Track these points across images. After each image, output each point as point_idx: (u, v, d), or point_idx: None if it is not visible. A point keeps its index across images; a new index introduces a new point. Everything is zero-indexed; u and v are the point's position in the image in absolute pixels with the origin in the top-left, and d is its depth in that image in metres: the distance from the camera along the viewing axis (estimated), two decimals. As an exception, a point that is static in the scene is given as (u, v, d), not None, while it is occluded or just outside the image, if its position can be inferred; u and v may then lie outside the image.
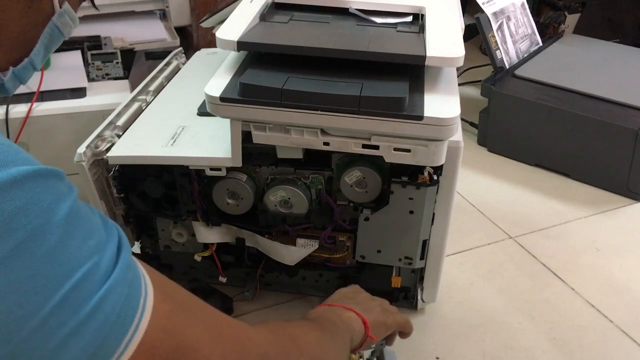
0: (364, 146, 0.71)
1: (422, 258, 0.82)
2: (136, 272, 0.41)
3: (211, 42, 1.51)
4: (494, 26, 1.36)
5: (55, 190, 0.38)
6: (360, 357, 0.71)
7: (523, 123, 1.29)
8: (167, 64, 1.07)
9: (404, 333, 0.78)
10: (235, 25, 0.74)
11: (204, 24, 1.09)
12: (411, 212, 0.77)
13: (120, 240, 0.42)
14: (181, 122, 0.84)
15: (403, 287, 0.88)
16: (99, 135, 0.81)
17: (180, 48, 1.14)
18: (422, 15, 0.81)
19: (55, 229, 0.36)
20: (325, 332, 0.63)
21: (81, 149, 0.77)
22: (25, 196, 0.36)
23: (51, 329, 0.36)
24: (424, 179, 0.74)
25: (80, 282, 0.37)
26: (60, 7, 0.55)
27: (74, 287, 0.36)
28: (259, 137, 0.72)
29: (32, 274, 0.35)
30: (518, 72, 1.35)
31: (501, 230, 1.11)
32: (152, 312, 0.40)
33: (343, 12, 0.84)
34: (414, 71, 0.72)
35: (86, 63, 1.17)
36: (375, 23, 0.82)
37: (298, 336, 0.58)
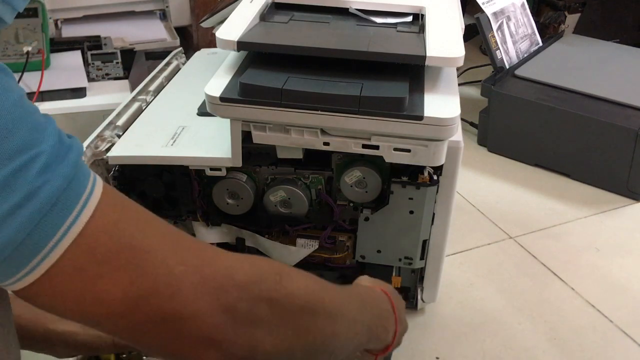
0: (364, 146, 0.71)
1: (422, 258, 0.82)
2: (84, 172, 0.42)
3: (211, 42, 1.51)
4: (494, 26, 1.36)
5: (3, 82, 0.40)
6: None
7: (523, 123, 1.29)
8: (167, 64, 1.07)
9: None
10: (235, 25, 0.74)
11: (204, 24, 1.09)
12: (411, 212, 0.77)
13: (73, 144, 0.43)
14: (181, 122, 0.84)
15: (403, 287, 0.88)
16: (99, 135, 0.81)
17: (180, 48, 1.14)
18: (422, 15, 0.81)
19: (2, 114, 0.39)
20: (334, 286, 0.53)
21: (81, 149, 0.77)
22: None
23: None
24: (424, 179, 0.74)
25: (21, 168, 0.38)
26: None
27: (15, 170, 0.38)
28: (259, 137, 0.72)
29: None
30: (518, 72, 1.35)
31: (501, 230, 1.11)
32: (97, 212, 0.41)
33: (343, 12, 0.84)
34: (414, 71, 0.72)
35: (86, 63, 1.17)
36: (375, 23, 0.81)
37: (286, 272, 0.48)
